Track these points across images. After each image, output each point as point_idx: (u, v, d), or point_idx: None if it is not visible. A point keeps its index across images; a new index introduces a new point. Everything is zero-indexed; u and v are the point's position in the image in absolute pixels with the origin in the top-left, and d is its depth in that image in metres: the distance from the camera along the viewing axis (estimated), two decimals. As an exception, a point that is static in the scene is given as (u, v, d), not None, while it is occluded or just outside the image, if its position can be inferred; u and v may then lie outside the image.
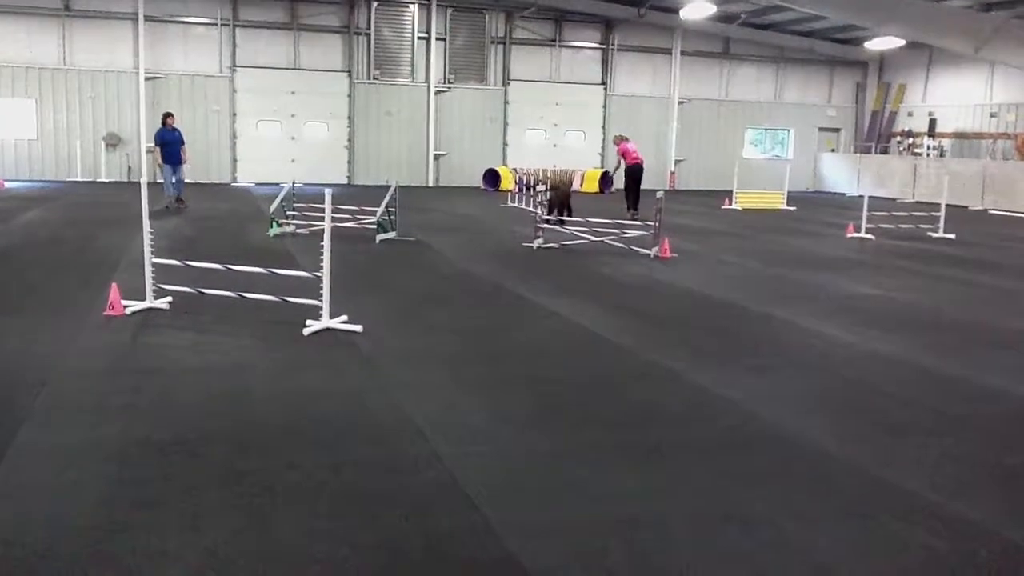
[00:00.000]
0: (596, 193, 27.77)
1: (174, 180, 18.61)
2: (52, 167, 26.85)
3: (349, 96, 28.93)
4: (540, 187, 15.77)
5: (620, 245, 13.76)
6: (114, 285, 8.40)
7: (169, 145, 18.42)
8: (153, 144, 18.48)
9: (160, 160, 18.49)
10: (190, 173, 26.75)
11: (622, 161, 20.39)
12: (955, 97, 30.59)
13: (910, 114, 32.45)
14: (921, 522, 4.22)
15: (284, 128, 28.73)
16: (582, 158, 30.77)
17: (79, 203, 19.93)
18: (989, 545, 4.02)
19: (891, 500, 4.50)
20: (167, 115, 18.87)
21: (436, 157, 29.75)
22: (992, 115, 29.38)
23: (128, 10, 26.81)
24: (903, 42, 28.99)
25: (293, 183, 15.91)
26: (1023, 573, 3.84)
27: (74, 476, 4.50)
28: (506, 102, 30.43)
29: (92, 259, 11.67)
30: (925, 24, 26.76)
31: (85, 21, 26.69)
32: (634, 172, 20.23)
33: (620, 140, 20.76)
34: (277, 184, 18.77)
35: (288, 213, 15.14)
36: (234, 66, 27.90)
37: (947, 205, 18.24)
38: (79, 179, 26.51)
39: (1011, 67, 27.40)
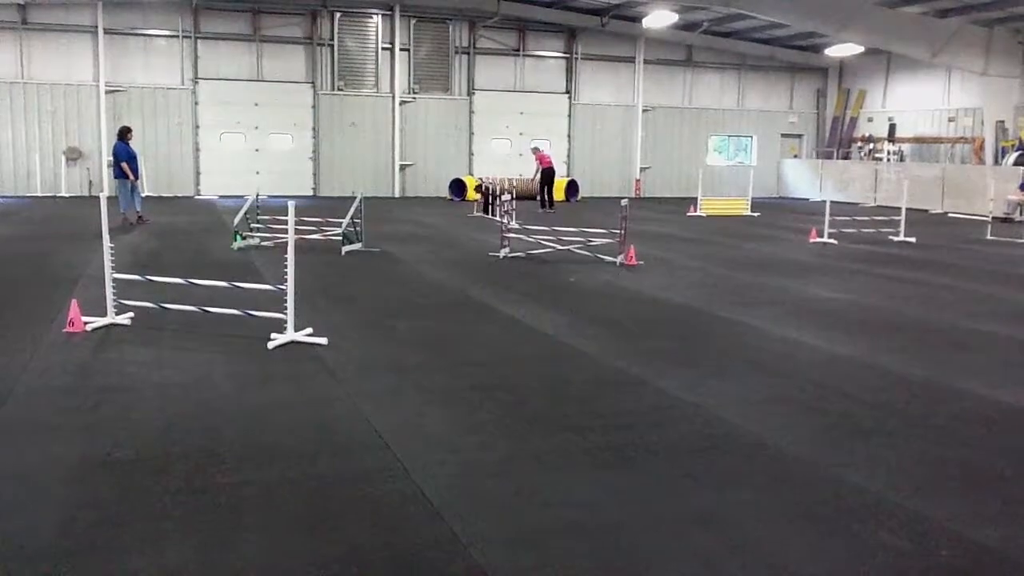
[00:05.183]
0: (562, 201, 27.83)
1: (143, 195, 18.42)
2: (11, 182, 26.41)
3: (313, 107, 28.79)
4: (506, 196, 15.78)
5: (586, 253, 13.80)
6: (74, 301, 8.29)
7: (133, 160, 18.18)
8: (117, 159, 18.13)
9: (129, 176, 18.06)
10: (154, 186, 26.58)
11: (539, 166, 24.21)
12: (914, 102, 31.05)
13: (870, 119, 32.90)
14: (883, 522, 4.27)
15: (248, 140, 28.50)
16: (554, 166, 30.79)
17: (39, 218, 19.65)
18: (950, 545, 4.07)
19: (853, 501, 4.55)
20: (128, 130, 18.62)
21: (402, 167, 29.67)
22: (950, 120, 29.86)
23: (87, 23, 26.50)
24: (862, 49, 29.39)
25: (257, 195, 15.80)
26: (983, 572, 3.89)
27: (34, 497, 4.43)
28: (471, 112, 30.42)
29: (52, 275, 11.50)
30: (883, 30, 27.17)
31: (43, 34, 26.33)
32: (547, 174, 24.17)
33: (537, 151, 25.10)
34: (241, 196, 18.62)
35: (252, 226, 15.02)
36: (196, 78, 27.65)
37: (907, 209, 18.50)
38: (39, 194, 26.11)
39: (967, 72, 27.89)
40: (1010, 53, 27.02)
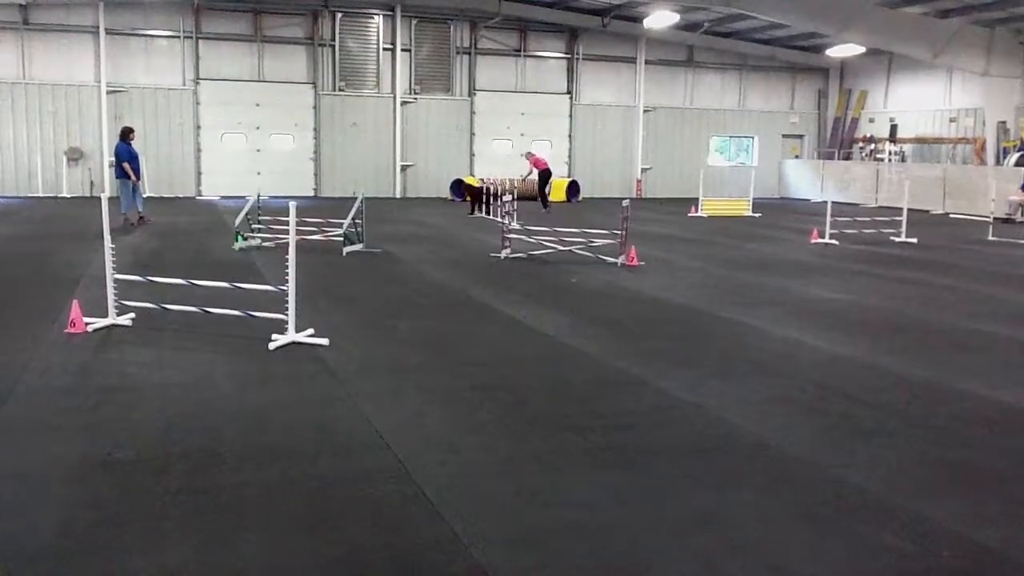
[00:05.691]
0: (563, 202, 27.87)
1: (144, 195, 18.48)
2: (12, 182, 26.43)
3: (314, 108, 28.79)
4: (507, 197, 15.78)
5: (587, 254, 13.80)
6: (75, 302, 8.29)
7: (134, 160, 18.20)
8: (119, 160, 18.14)
9: (131, 177, 18.06)
10: (155, 186, 26.59)
11: (534, 169, 24.49)
12: (915, 103, 31.03)
13: (871, 120, 32.87)
14: (884, 523, 4.27)
15: (249, 140, 28.50)
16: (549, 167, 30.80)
17: (40, 218, 19.66)
18: (951, 546, 4.07)
19: (854, 501, 4.54)
20: (130, 130, 18.62)
21: (403, 168, 29.67)
22: (951, 120, 29.84)
23: (89, 23, 26.50)
24: (863, 49, 29.37)
25: (259, 196, 15.81)
26: (985, 573, 3.89)
27: (34, 497, 4.43)
28: (472, 112, 30.40)
29: (53, 275, 11.51)
30: (884, 31, 27.16)
31: (44, 35, 26.34)
32: (544, 175, 24.58)
33: (530, 155, 25.28)
34: (243, 197, 18.62)
35: (253, 226, 15.02)
36: (197, 78, 27.66)
37: (909, 210, 18.47)
38: (40, 194, 26.12)
39: (968, 72, 27.88)
40: (1011, 54, 27.00)
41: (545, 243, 14.32)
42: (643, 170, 32.37)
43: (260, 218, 15.09)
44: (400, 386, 6.58)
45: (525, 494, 4.57)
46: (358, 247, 14.40)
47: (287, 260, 7.66)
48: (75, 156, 26.79)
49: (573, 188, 28.90)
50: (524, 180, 24.93)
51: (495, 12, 29.25)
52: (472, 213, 22.39)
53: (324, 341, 7.69)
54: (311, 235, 14.72)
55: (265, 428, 5.55)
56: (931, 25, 26.56)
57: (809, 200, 30.99)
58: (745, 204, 24.76)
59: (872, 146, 32.12)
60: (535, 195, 24.72)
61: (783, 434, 5.59)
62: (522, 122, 30.91)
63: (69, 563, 3.73)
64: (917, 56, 27.81)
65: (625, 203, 13.69)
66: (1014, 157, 25.96)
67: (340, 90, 28.99)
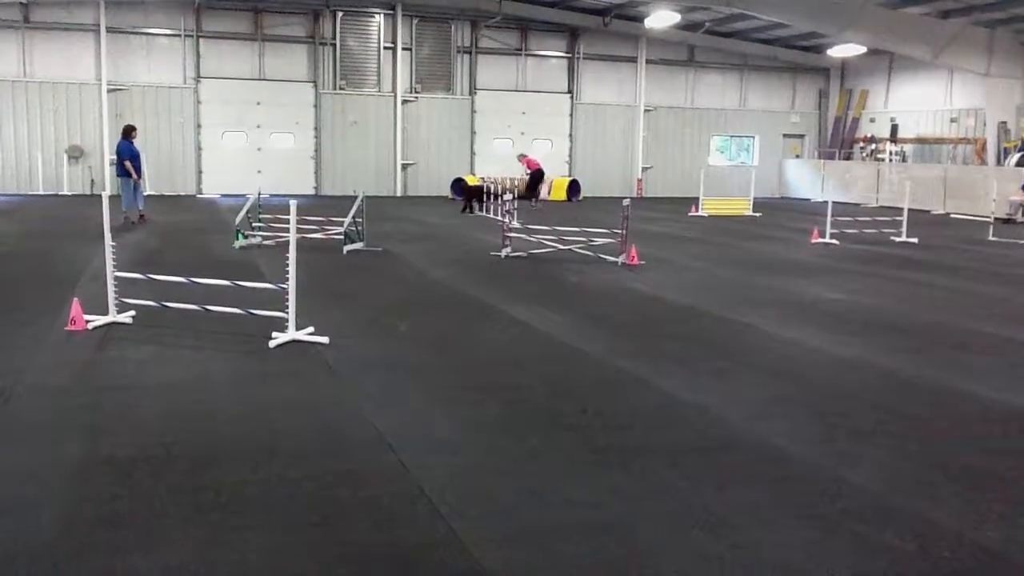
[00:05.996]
0: (564, 201, 27.88)
1: (145, 193, 18.63)
2: (13, 180, 26.43)
3: (315, 106, 28.78)
4: (507, 196, 15.78)
5: (588, 253, 13.80)
6: (76, 299, 8.29)
7: (136, 159, 18.21)
8: (121, 158, 18.16)
9: (133, 175, 18.06)
10: (156, 184, 26.59)
11: (527, 170, 26.23)
12: (916, 103, 31.01)
13: (872, 120, 32.85)
14: (885, 523, 4.27)
15: (250, 139, 28.49)
16: (549, 166, 30.78)
17: (40, 216, 19.65)
18: (952, 546, 4.06)
19: (855, 501, 4.54)
20: (133, 128, 18.62)
21: (404, 167, 29.66)
22: (952, 120, 29.82)
23: (90, 22, 26.50)
24: (864, 49, 29.36)
25: (259, 194, 15.80)
26: (985, 573, 3.88)
27: (34, 495, 4.43)
28: (473, 111, 30.40)
29: (53, 273, 11.51)
30: (885, 31, 27.16)
31: (46, 33, 26.33)
32: (536, 175, 26.37)
33: (523, 156, 27.01)
34: (243, 195, 18.62)
35: (254, 224, 15.02)
36: (198, 77, 27.66)
37: (909, 210, 18.47)
38: (41, 192, 26.12)
39: (969, 73, 27.87)
40: (1012, 54, 26.99)
41: (545, 242, 14.32)
42: (644, 169, 32.36)
43: (260, 216, 15.08)
44: (400, 385, 6.58)
45: (525, 493, 4.57)
46: (359, 246, 14.40)
47: (287, 258, 7.65)
48: (76, 154, 26.78)
49: (574, 187, 28.88)
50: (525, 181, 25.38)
51: (496, 11, 29.23)
52: (471, 212, 22.40)
53: (324, 339, 7.69)
54: (312, 233, 14.71)
55: (265, 426, 5.54)
56: (932, 25, 26.56)
57: (810, 200, 30.98)
58: (746, 204, 24.74)
59: (873, 146, 32.11)
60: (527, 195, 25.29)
61: (784, 434, 5.59)
62: (523, 121, 30.90)
63: (70, 561, 3.72)
64: (918, 56, 27.80)
65: (626, 202, 13.68)
66: (1015, 157, 25.95)
67: (341, 89, 28.98)
